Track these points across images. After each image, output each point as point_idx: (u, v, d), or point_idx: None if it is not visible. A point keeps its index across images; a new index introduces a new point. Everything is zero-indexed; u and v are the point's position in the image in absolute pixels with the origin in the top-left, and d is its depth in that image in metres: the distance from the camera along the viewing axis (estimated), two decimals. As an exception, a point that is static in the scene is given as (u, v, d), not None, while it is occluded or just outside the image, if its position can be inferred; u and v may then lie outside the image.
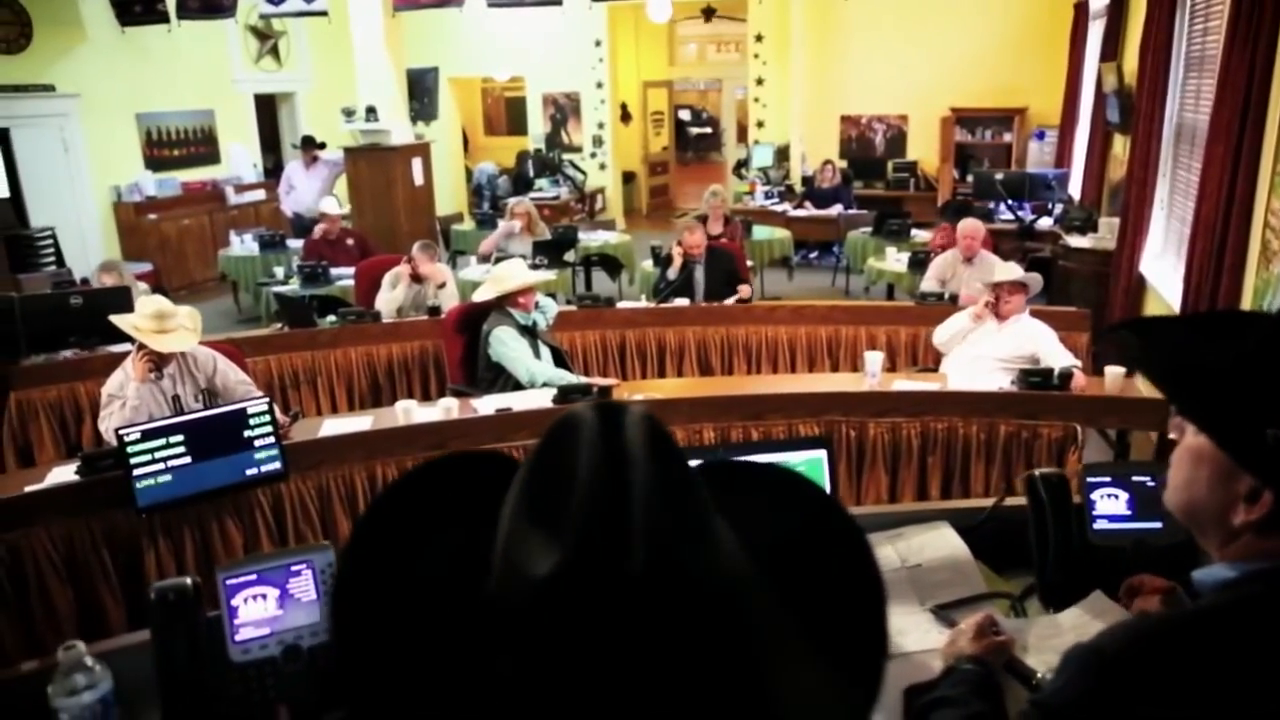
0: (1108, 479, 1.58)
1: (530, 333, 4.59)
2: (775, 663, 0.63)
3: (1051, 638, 1.45)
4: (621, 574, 0.56)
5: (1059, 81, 9.98)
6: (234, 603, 1.44)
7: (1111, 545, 1.54)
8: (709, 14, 13.48)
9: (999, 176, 8.83)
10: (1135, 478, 1.57)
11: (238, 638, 1.43)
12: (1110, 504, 1.56)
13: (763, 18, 11.96)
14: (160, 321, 3.86)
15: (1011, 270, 4.67)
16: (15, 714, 1.30)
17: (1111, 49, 7.60)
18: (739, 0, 12.36)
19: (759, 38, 12.12)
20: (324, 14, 8.47)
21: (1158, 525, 1.54)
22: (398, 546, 0.71)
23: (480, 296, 4.71)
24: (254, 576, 1.45)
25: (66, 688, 1.24)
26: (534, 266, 6.49)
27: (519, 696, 0.61)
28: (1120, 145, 7.51)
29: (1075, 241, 7.16)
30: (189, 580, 1.42)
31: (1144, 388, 4.67)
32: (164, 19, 8.83)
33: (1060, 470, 1.59)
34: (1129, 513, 1.56)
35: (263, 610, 1.44)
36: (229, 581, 1.44)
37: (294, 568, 1.47)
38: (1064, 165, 9.67)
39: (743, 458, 0.76)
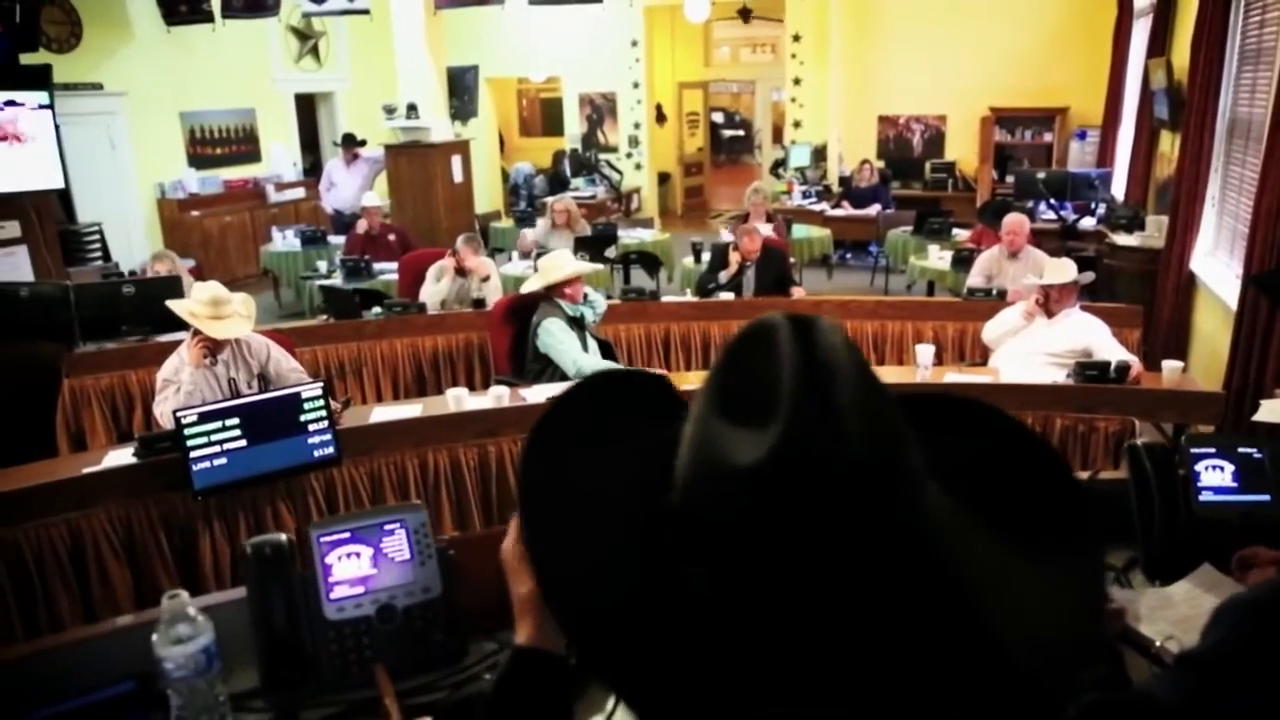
0: (1212, 450, 1.53)
1: (579, 324, 4.58)
2: (988, 565, 0.61)
3: (1163, 609, 1.41)
4: (834, 457, 0.55)
5: (1101, 80, 9.86)
6: (328, 560, 1.43)
7: (1217, 518, 1.50)
8: (745, 14, 13.46)
9: (1041, 176, 8.74)
10: (1241, 450, 1.53)
11: (332, 596, 1.42)
12: (1215, 476, 1.52)
13: (801, 18, 11.91)
14: (216, 307, 3.88)
15: (1065, 268, 4.59)
16: (118, 666, 1.30)
17: (1159, 45, 7.50)
18: (776, 1, 12.32)
19: (796, 38, 12.08)
20: (366, 12, 8.52)
21: (1265, 498, 1.49)
22: (572, 462, 0.71)
23: (529, 288, 4.71)
24: (348, 534, 1.44)
25: (171, 637, 1.23)
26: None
27: (716, 599, 0.59)
28: (1168, 142, 7.39)
29: (1122, 240, 7.06)
30: (284, 536, 1.41)
31: (1202, 381, 4.60)
32: (209, 18, 8.92)
33: (1164, 441, 1.55)
34: (1235, 485, 1.52)
35: (356, 569, 1.43)
36: (323, 539, 1.44)
37: (387, 527, 1.46)
38: (1106, 165, 9.54)
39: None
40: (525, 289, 4.78)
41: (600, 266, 4.66)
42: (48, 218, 5.48)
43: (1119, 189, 8.93)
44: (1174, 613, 1.40)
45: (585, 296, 4.67)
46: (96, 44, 8.94)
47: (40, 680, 1.32)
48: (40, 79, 5.52)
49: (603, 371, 0.77)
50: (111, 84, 9.10)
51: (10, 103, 5.05)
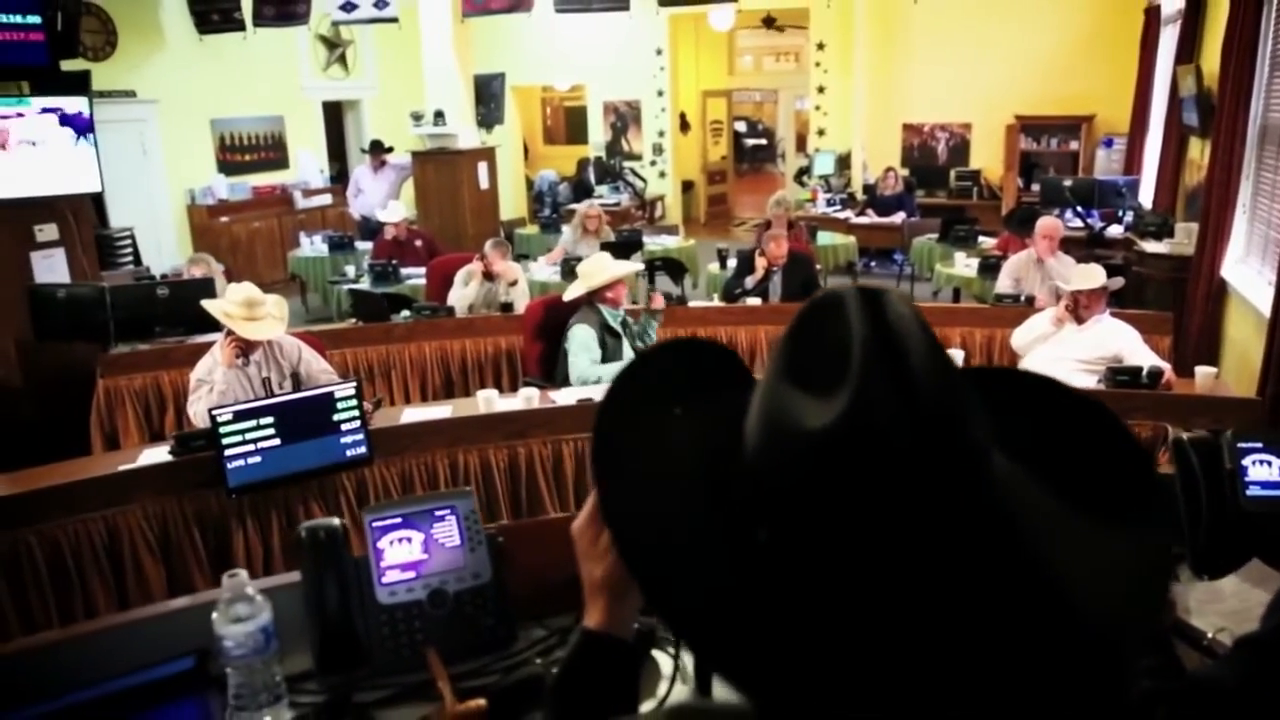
0: (1259, 445, 1.53)
1: (614, 334, 4.52)
2: (1056, 533, 0.62)
3: (1212, 603, 1.41)
4: (903, 423, 0.56)
5: (1128, 88, 9.81)
6: (380, 545, 1.45)
7: (1265, 512, 1.49)
8: (770, 22, 13.49)
9: (1067, 183, 8.70)
10: (1290, 445, 1.52)
11: (384, 580, 1.44)
12: (1263, 470, 1.51)
13: (825, 26, 11.93)
14: (250, 309, 3.93)
15: (1094, 273, 4.57)
16: (176, 646, 1.32)
17: (1188, 52, 7.45)
18: (800, 10, 12.34)
19: (821, 46, 12.09)
20: (394, 20, 8.60)
21: (1314, 493, 1.49)
22: (645, 423, 0.72)
23: (572, 294, 4.64)
24: (399, 520, 1.46)
25: (230, 615, 1.25)
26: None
27: (780, 560, 0.60)
28: (1198, 149, 7.34)
29: (1151, 247, 7.01)
30: (337, 520, 1.43)
31: (1235, 387, 4.56)
32: (240, 26, 9.03)
33: (1208, 433, 1.55)
34: (1283, 479, 1.51)
35: (408, 554, 1.45)
36: (375, 523, 1.46)
37: (438, 512, 1.48)
38: (1134, 172, 9.48)
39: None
40: (568, 296, 4.69)
41: (641, 266, 4.59)
42: (84, 221, 5.56)
43: (1147, 196, 8.87)
44: (1224, 606, 1.40)
45: (652, 312, 4.62)
46: (131, 52, 9.08)
47: (99, 658, 1.34)
48: (79, 85, 5.60)
49: (677, 339, 0.79)
50: (144, 91, 9.24)
51: (50, 108, 5.14)
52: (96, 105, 5.53)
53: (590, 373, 4.37)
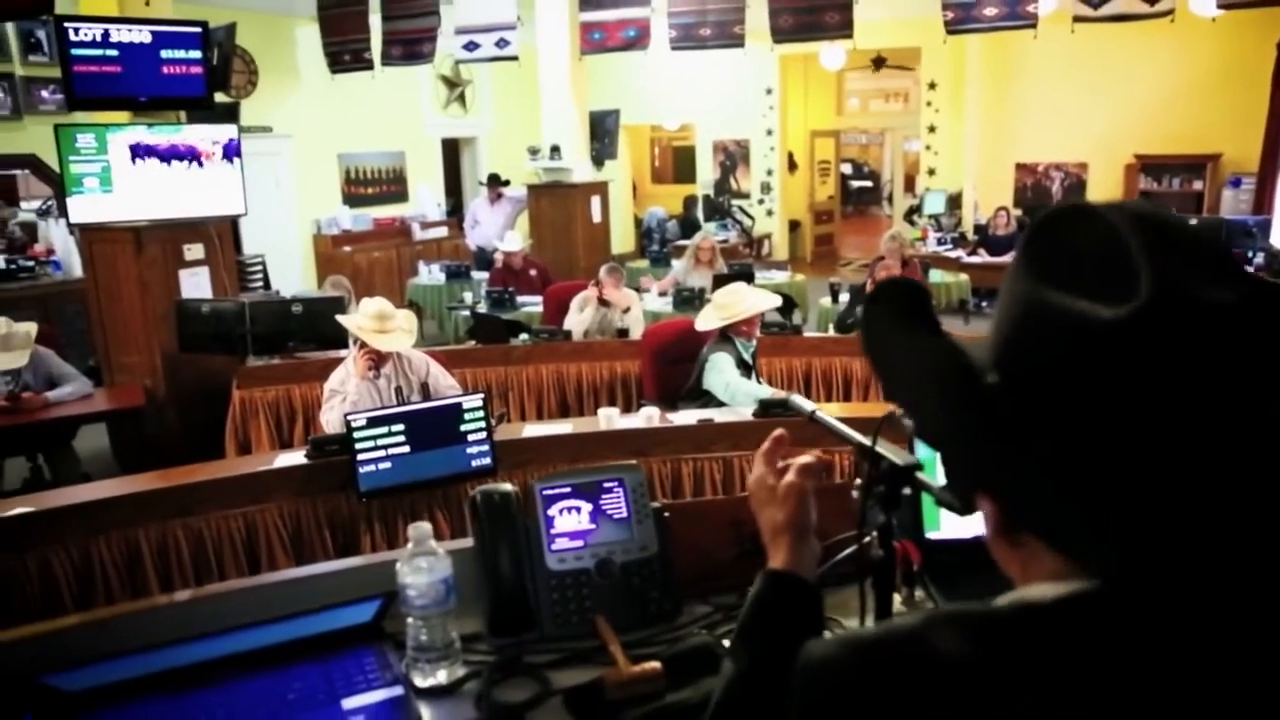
0: None
1: (748, 366, 4.42)
2: None
3: None
4: (1207, 300, 0.57)
5: (1257, 126, 9.44)
6: (550, 513, 1.48)
7: None
8: (879, 63, 13.46)
9: (1193, 223, 8.39)
10: None
11: (554, 547, 1.47)
12: None
13: (937, 65, 11.84)
14: (381, 322, 4.08)
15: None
16: (361, 590, 1.38)
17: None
18: (910, 50, 12.30)
19: (932, 85, 12.01)
20: (514, 59, 8.90)
21: None
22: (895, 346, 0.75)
23: (705, 324, 4.47)
24: (568, 489, 1.50)
25: (413, 566, 1.30)
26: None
27: (1066, 463, 0.61)
28: (1341, 187, 7.00)
29: (1289, 287, 6.68)
30: (509, 485, 1.48)
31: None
32: (369, 66, 9.48)
33: None
34: None
35: (576, 523, 1.49)
36: (545, 492, 1.50)
37: (606, 485, 1.51)
38: (1264, 212, 9.09)
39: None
40: (701, 325, 4.51)
41: (779, 300, 4.54)
42: (227, 243, 5.89)
43: (1279, 238, 8.49)
44: None
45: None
46: (269, 90, 9.62)
47: (287, 601, 1.40)
48: (229, 116, 5.95)
49: (899, 279, 0.80)
50: (280, 127, 9.77)
51: (203, 136, 5.49)
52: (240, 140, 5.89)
53: (744, 385, 4.22)
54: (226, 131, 5.59)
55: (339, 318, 4.36)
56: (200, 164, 5.43)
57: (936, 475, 1.10)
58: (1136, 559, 0.58)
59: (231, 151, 5.58)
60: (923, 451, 1.35)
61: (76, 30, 5.14)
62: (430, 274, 8.94)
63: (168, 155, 5.35)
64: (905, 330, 0.74)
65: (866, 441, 1.14)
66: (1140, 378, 0.57)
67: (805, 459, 1.04)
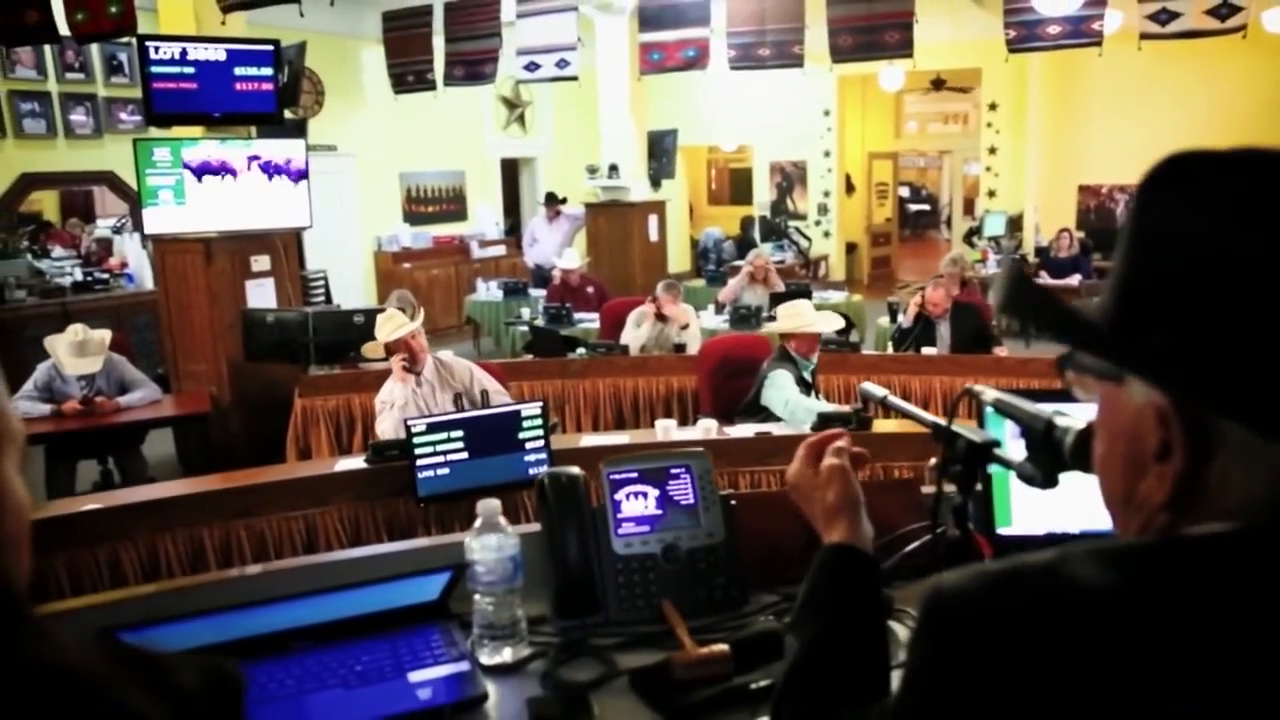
0: None
1: (807, 385, 4.44)
2: None
3: None
4: None
5: (1337, 147, 9.16)
6: (616, 497, 1.48)
7: None
8: (938, 84, 13.38)
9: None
10: None
11: (620, 531, 1.47)
12: None
13: (997, 86, 11.73)
14: (389, 319, 4.29)
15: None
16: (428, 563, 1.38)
17: None
18: (970, 70, 12.20)
19: (993, 106, 11.88)
20: (574, 79, 9.00)
21: None
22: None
23: (776, 328, 4.62)
24: (635, 474, 1.49)
25: (482, 542, 1.30)
26: (769, 319, 6.50)
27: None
28: None
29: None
30: (576, 469, 1.48)
31: None
32: (431, 86, 9.65)
33: None
34: None
35: (643, 508, 1.48)
36: (612, 476, 1.50)
37: (673, 470, 1.51)
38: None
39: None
40: (771, 329, 4.70)
41: (842, 323, 4.53)
42: (292, 256, 6.03)
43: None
44: None
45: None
46: (336, 110, 9.86)
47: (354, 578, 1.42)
48: (298, 132, 6.11)
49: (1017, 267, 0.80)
50: (344, 145, 10.00)
51: (273, 151, 5.64)
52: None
53: (804, 401, 4.26)
54: (296, 146, 5.74)
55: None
56: (270, 178, 5.58)
57: (1010, 453, 1.08)
58: None
59: (299, 166, 5.72)
60: (996, 430, 1.32)
61: (156, 49, 5.33)
62: (488, 291, 9.05)
63: (238, 169, 5.51)
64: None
65: (941, 421, 1.13)
66: None
67: (840, 442, 1.08)
